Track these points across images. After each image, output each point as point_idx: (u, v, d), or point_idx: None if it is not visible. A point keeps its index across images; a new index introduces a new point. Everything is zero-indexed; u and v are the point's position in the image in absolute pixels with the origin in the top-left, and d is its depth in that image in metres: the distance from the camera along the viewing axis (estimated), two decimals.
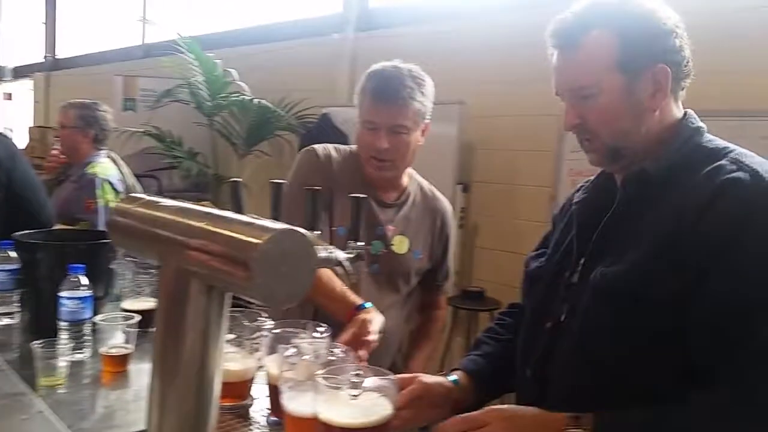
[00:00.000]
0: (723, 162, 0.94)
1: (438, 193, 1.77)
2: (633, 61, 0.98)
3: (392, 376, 0.98)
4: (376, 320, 1.41)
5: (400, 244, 1.65)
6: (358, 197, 1.00)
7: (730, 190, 0.90)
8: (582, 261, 1.06)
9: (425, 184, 1.77)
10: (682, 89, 1.05)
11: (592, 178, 1.15)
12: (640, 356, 0.94)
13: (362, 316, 1.40)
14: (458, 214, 3.28)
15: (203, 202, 0.85)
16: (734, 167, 0.93)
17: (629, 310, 0.94)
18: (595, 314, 0.98)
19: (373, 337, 1.36)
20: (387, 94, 1.52)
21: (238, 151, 4.33)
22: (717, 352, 0.89)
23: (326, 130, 3.65)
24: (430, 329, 1.83)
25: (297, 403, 0.95)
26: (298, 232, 0.71)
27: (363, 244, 0.95)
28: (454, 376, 1.17)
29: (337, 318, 1.41)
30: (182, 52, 4.19)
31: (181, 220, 0.83)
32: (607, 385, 0.96)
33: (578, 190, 1.18)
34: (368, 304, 1.44)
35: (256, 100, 4.04)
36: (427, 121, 1.61)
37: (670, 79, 0.99)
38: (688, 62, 1.02)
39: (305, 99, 4.07)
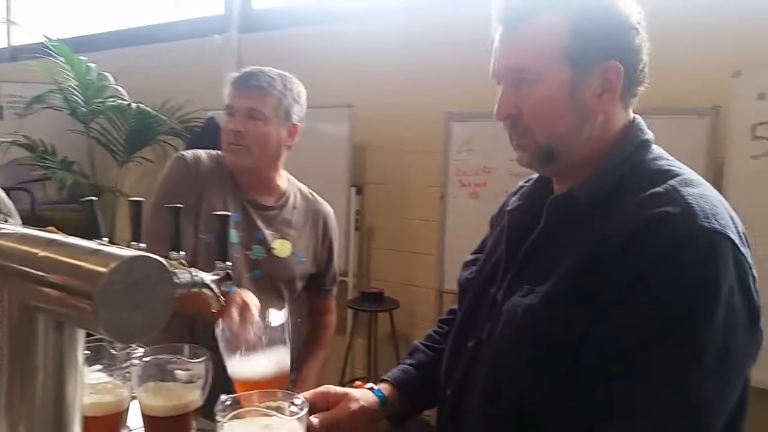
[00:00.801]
0: (659, 189, 0.83)
1: (318, 197, 1.75)
2: (583, 54, 0.86)
3: (302, 396, 0.91)
4: (250, 297, 1.33)
5: (282, 248, 1.62)
6: (223, 215, 0.95)
7: (653, 228, 0.79)
8: (508, 277, 0.96)
9: (305, 188, 1.76)
10: (634, 96, 0.93)
11: (532, 179, 1.04)
12: (553, 397, 0.85)
13: (235, 296, 1.31)
14: (354, 216, 3.27)
15: (47, 228, 0.76)
16: (669, 198, 0.81)
17: (539, 348, 0.85)
18: (506, 347, 0.90)
19: (254, 311, 1.28)
20: (247, 81, 1.55)
21: (117, 159, 4.10)
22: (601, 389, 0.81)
23: (212, 133, 3.49)
24: (321, 337, 1.81)
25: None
26: (152, 258, 0.65)
27: (230, 264, 0.90)
28: (380, 391, 1.10)
29: (207, 315, 1.32)
30: (51, 56, 3.92)
31: (21, 248, 0.74)
32: (517, 422, 0.88)
33: (515, 193, 1.07)
34: (234, 287, 1.35)
35: (135, 105, 3.84)
36: (295, 121, 1.61)
37: (622, 80, 0.88)
38: (644, 66, 0.91)
39: (188, 102, 3.92)
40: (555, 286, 0.85)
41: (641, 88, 0.93)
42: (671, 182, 0.83)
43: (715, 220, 0.79)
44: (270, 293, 1.58)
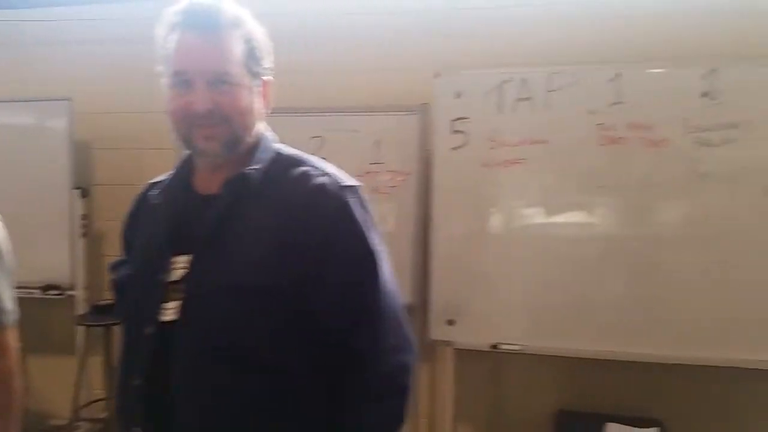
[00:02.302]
0: (307, 168, 1.09)
1: None
2: (256, 67, 1.07)
3: None
4: None
5: None
6: None
7: (324, 191, 1.05)
8: (189, 259, 1.06)
9: None
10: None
11: (162, 178, 1.18)
12: (273, 344, 1.02)
13: None
14: (79, 221, 2.98)
15: None
16: (318, 172, 1.08)
17: (255, 301, 1.00)
18: (219, 310, 1.02)
19: None
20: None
21: None
22: (348, 329, 1.04)
23: None
24: None
25: None
26: None
27: None
28: None
29: None
30: None
31: None
32: (243, 378, 1.01)
33: (147, 191, 1.19)
34: None
35: None
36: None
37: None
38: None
39: None
40: (256, 249, 1.02)
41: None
42: (309, 162, 1.11)
43: (350, 178, 1.10)
44: None
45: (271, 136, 1.16)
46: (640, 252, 2.23)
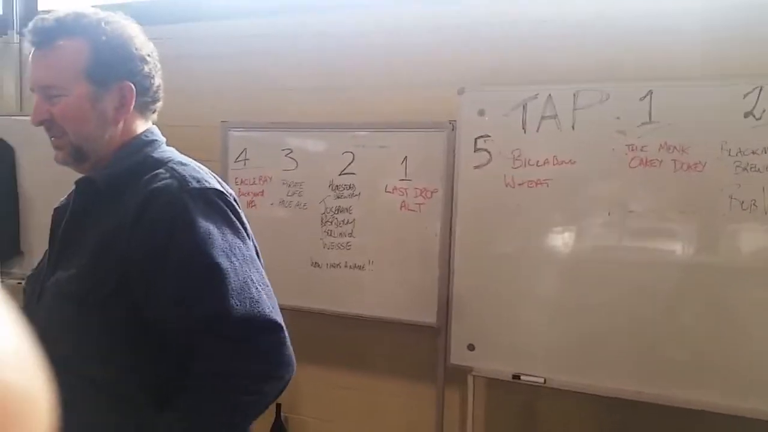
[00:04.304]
0: (160, 170, 1.07)
1: None
2: (101, 74, 1.08)
3: None
4: None
5: None
6: None
7: (161, 195, 1.02)
8: (53, 261, 1.10)
9: None
10: (154, 112, 1.20)
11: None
12: (103, 350, 1.01)
13: None
14: None
15: None
16: (167, 175, 1.05)
17: (81, 309, 1.00)
18: (53, 316, 1.03)
19: None
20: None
21: None
22: (183, 334, 1.01)
23: None
24: None
25: None
26: None
27: None
28: None
29: None
30: None
31: None
32: (73, 382, 0.98)
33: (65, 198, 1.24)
34: None
35: None
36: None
37: (135, 98, 1.11)
38: (157, 89, 1.17)
39: None
40: (88, 256, 1.02)
41: (156, 106, 1.20)
42: (169, 164, 1.09)
43: (206, 181, 1.07)
44: None
45: (152, 139, 1.15)
46: (676, 281, 2.04)
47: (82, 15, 1.08)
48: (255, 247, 1.16)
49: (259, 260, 1.20)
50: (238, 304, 0.98)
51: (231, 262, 1.01)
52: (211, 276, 0.98)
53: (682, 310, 2.03)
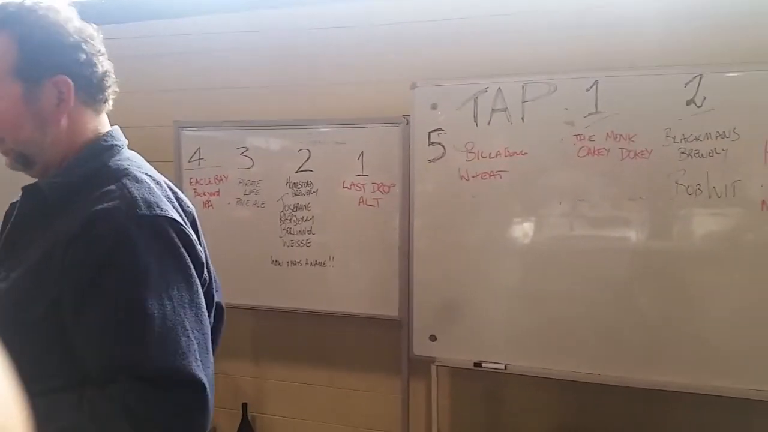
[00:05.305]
0: (111, 187, 0.96)
1: None
2: (32, 69, 0.97)
3: None
4: None
5: None
6: None
7: (106, 217, 0.92)
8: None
9: None
10: (104, 102, 1.07)
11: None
12: (41, 363, 0.93)
13: None
14: None
15: None
16: (117, 194, 0.95)
17: (15, 323, 0.93)
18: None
19: None
20: None
21: None
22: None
23: None
24: None
25: None
26: None
27: None
28: None
29: None
30: None
31: None
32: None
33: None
34: None
35: None
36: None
37: (74, 91, 0.99)
38: (104, 76, 1.04)
39: None
40: (23, 271, 0.95)
41: (106, 94, 1.07)
42: (124, 179, 0.98)
43: (158, 207, 0.96)
44: None
45: (111, 144, 1.04)
46: (629, 266, 2.10)
47: (3, 7, 0.97)
48: (209, 272, 1.08)
49: (213, 285, 1.12)
50: (160, 353, 0.90)
51: (162, 305, 0.91)
52: (135, 319, 0.90)
53: (637, 294, 2.10)
